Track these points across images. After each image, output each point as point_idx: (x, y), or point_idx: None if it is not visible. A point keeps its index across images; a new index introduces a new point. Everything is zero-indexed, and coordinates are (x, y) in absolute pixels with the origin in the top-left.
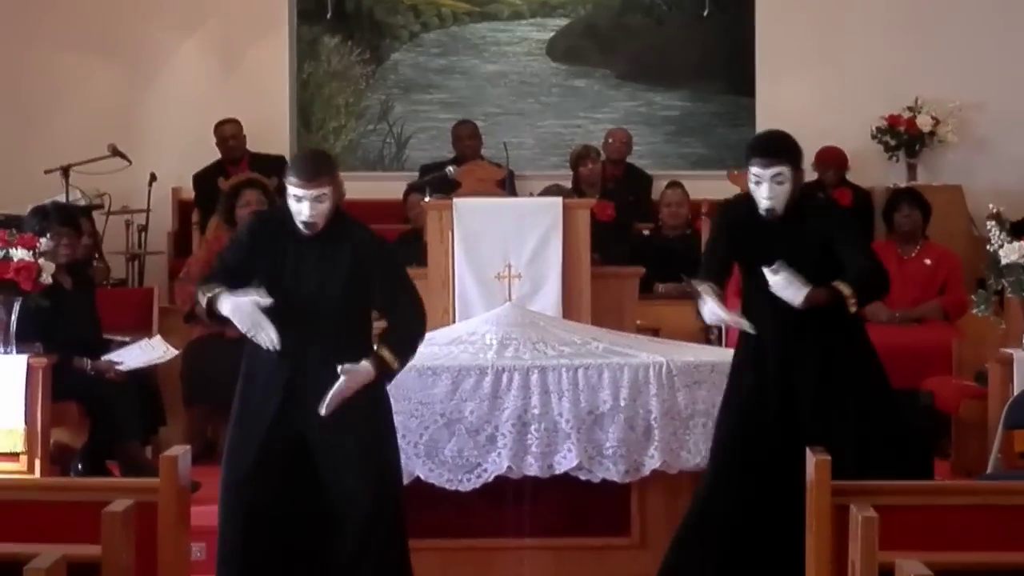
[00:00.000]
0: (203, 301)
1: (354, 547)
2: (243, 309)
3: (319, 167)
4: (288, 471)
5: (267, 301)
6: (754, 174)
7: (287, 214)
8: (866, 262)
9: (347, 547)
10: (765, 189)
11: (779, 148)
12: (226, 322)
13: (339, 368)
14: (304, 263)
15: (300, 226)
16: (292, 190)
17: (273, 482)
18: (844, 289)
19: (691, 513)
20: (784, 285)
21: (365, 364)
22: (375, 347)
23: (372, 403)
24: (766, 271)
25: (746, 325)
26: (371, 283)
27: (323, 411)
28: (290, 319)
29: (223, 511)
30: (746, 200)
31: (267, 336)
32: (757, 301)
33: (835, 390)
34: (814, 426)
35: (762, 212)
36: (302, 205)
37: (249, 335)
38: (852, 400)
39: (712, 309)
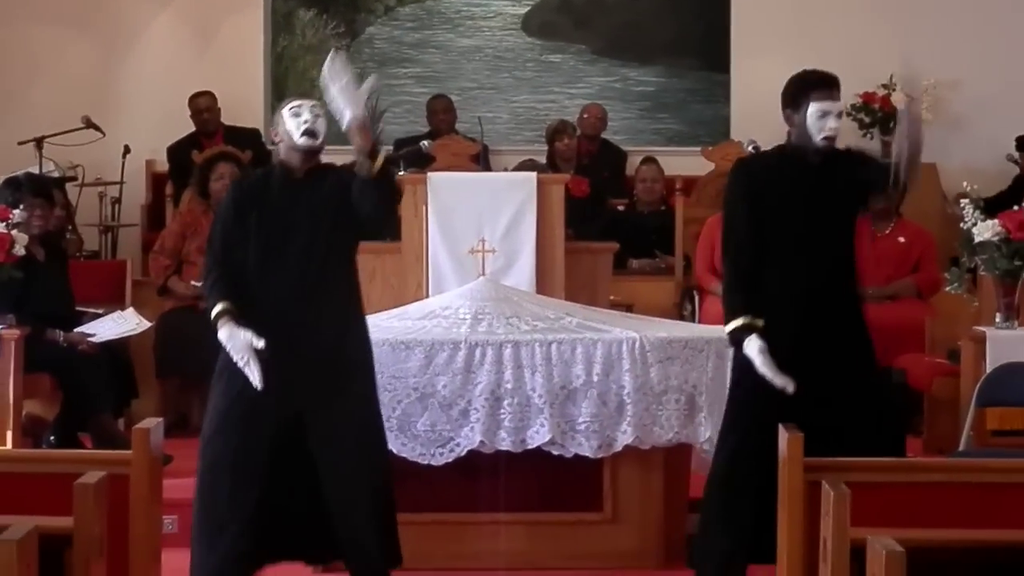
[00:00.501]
0: (209, 305)
1: (354, 517)
2: (237, 340)
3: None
4: (284, 448)
5: (261, 345)
6: (823, 105)
7: (268, 175)
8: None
9: (348, 518)
10: (833, 120)
11: (838, 83)
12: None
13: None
14: (292, 210)
15: (300, 140)
16: (291, 106)
17: (274, 460)
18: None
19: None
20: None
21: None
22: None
23: (363, 372)
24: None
25: (789, 386)
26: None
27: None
28: (285, 272)
29: (209, 470)
30: (761, 157)
31: (252, 373)
32: (770, 276)
33: (850, 370)
34: (828, 407)
35: (822, 140)
36: (302, 115)
37: (238, 363)
38: (862, 380)
39: (763, 368)
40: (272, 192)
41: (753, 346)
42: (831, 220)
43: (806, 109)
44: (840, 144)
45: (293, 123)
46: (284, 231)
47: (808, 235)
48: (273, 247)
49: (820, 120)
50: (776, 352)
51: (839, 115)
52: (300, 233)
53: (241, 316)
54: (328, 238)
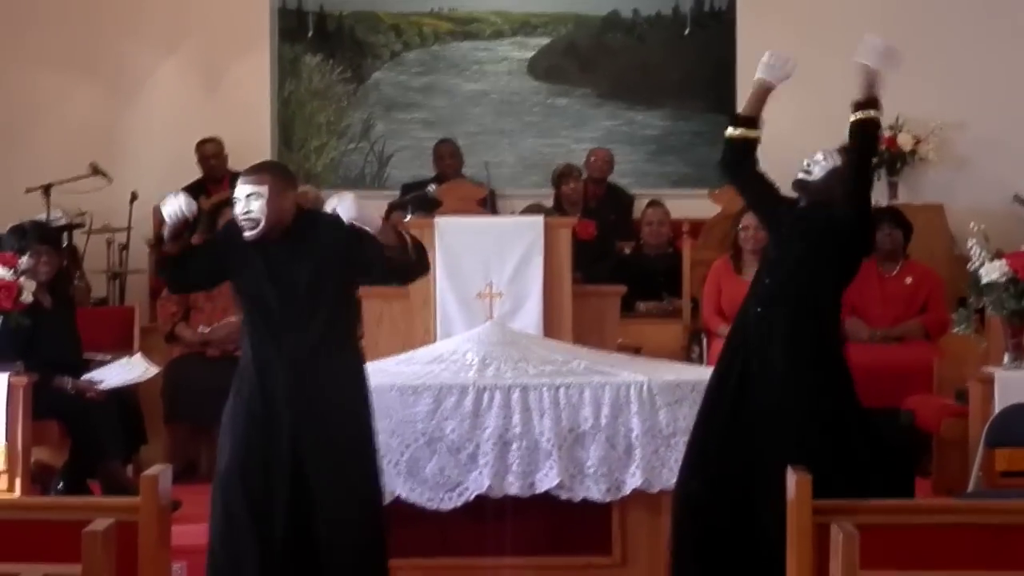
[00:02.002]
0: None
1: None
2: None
3: (260, 166)
4: (283, 486)
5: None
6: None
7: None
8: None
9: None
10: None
11: None
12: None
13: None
14: (277, 266)
15: (246, 233)
16: (235, 194)
17: (274, 501)
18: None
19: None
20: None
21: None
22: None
23: (361, 408)
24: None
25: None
26: (350, 258)
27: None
28: (274, 324)
29: (221, 525)
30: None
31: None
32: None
33: (799, 403)
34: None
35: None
36: (238, 204)
37: (165, 211)
38: (819, 416)
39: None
40: (256, 254)
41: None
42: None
43: None
44: None
45: (234, 210)
46: (273, 291)
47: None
48: (263, 308)
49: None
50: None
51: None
52: (290, 292)
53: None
54: (319, 296)
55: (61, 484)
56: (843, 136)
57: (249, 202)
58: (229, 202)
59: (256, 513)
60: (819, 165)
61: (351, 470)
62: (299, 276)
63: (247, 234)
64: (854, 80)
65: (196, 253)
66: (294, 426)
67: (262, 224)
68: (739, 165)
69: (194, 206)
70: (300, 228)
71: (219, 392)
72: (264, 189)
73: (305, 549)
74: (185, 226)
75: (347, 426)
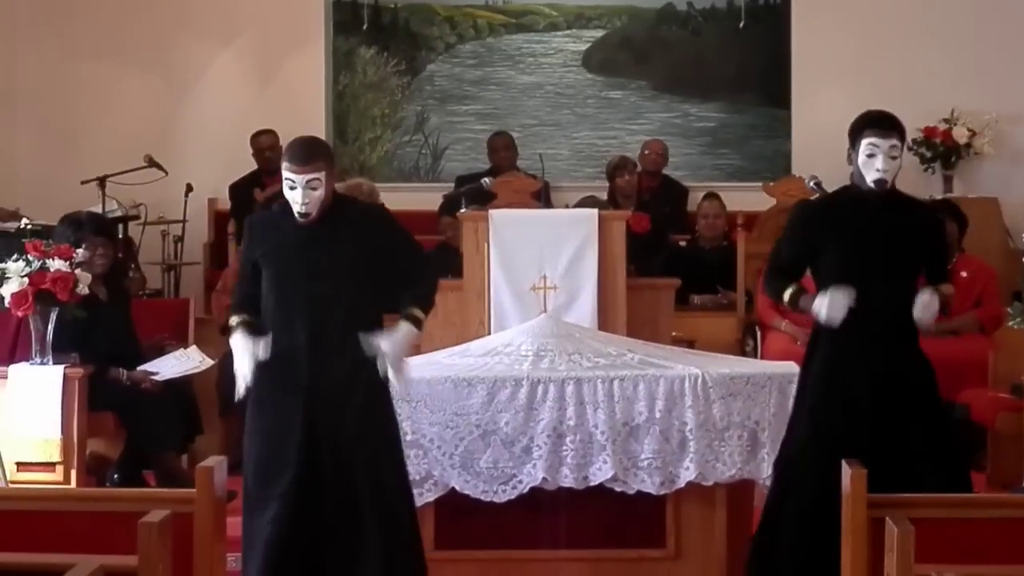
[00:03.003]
0: (227, 317)
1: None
2: (242, 344)
3: (312, 151)
4: (315, 477)
5: (265, 356)
6: (869, 144)
7: (286, 207)
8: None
9: (372, 553)
10: (880, 160)
11: (896, 122)
12: None
13: (373, 342)
14: (309, 251)
15: (296, 215)
16: (285, 175)
17: (307, 495)
18: (947, 289)
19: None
20: (928, 306)
21: (404, 327)
22: (405, 308)
23: (385, 403)
24: (922, 293)
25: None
26: (378, 254)
27: (400, 389)
28: (304, 310)
29: (255, 527)
30: (823, 200)
31: (242, 378)
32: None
33: (913, 405)
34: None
35: (872, 183)
36: (295, 193)
37: (236, 366)
38: (924, 415)
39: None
40: (287, 236)
41: (819, 297)
42: (890, 261)
43: (859, 148)
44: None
45: (289, 196)
46: (303, 279)
47: (866, 275)
48: (291, 294)
49: (868, 160)
50: (842, 391)
51: (892, 156)
52: (320, 281)
53: (257, 329)
54: (350, 287)
55: (116, 475)
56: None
57: (308, 191)
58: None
59: (295, 501)
60: None
61: (382, 457)
62: (329, 259)
63: (302, 220)
64: (909, 70)
65: (249, 291)
66: (320, 412)
67: (316, 211)
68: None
69: (266, 353)
70: (335, 212)
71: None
72: (323, 176)
73: (343, 534)
74: None
75: (373, 412)
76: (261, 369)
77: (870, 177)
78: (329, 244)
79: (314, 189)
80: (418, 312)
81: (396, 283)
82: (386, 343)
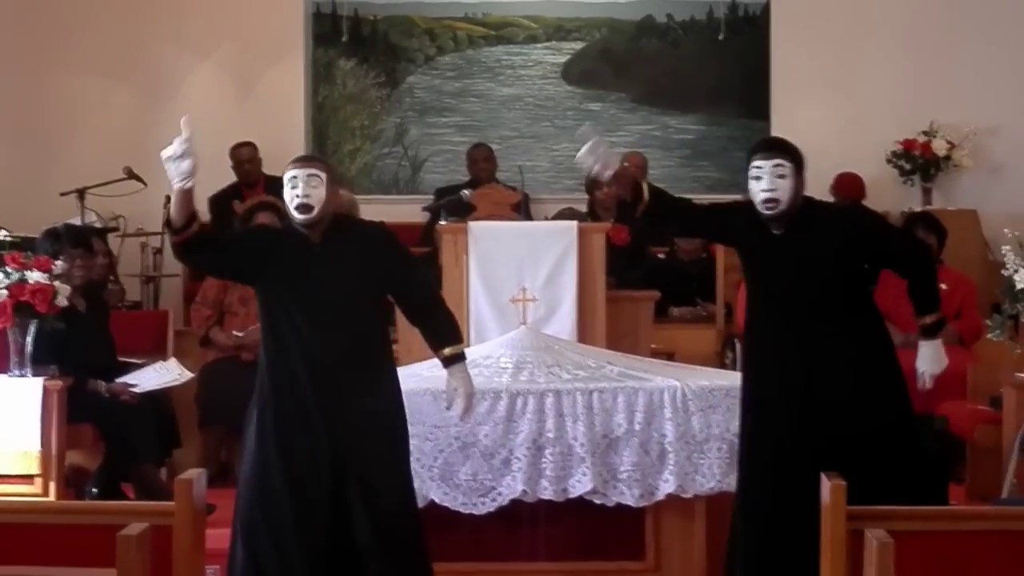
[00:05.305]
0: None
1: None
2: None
3: (314, 156)
4: (323, 494)
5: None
6: (754, 167)
7: (287, 234)
8: (906, 244)
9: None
10: (765, 181)
11: (781, 144)
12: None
13: (454, 388)
14: (313, 270)
15: (294, 212)
16: (287, 175)
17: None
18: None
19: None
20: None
21: (458, 377)
22: (440, 352)
23: (397, 421)
24: (922, 345)
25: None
26: (384, 276)
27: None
28: (310, 326)
29: (249, 527)
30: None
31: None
32: (766, 313)
33: (862, 407)
34: (839, 443)
35: (760, 205)
36: (296, 188)
37: (169, 162)
38: (879, 421)
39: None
40: (291, 256)
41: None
42: (810, 279)
43: (749, 176)
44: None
45: (289, 194)
46: (307, 298)
47: (785, 298)
48: (296, 315)
49: (755, 183)
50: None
51: (779, 175)
52: (325, 300)
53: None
54: (355, 306)
55: (95, 488)
56: (875, 139)
57: (308, 185)
58: (263, 206)
59: (298, 523)
60: None
61: (391, 475)
62: (333, 280)
63: (300, 217)
64: (888, 83)
65: (219, 240)
66: (329, 432)
67: (316, 210)
68: (664, 223)
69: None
70: (336, 232)
71: (253, 397)
72: (323, 175)
73: (347, 557)
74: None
75: (383, 431)
76: (264, 394)
77: (757, 199)
78: (330, 263)
79: (315, 186)
80: (454, 350)
81: (399, 303)
82: (464, 387)
